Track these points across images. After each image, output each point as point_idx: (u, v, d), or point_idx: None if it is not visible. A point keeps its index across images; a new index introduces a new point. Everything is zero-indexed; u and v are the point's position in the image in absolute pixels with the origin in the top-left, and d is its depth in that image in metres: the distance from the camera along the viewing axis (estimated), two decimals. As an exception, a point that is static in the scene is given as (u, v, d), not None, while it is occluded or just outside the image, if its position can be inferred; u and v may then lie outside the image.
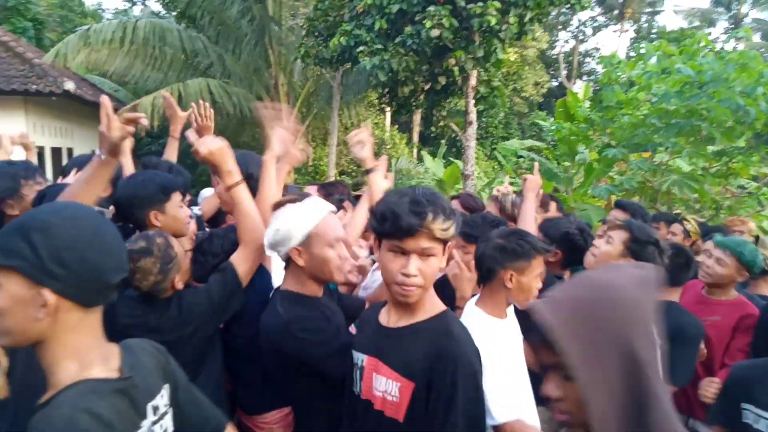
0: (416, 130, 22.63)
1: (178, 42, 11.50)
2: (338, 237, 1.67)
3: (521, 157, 10.59)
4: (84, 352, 0.97)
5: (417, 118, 21.60)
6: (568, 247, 2.53)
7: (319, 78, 12.92)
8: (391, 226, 1.26)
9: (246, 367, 1.93)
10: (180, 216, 1.97)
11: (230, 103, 11.30)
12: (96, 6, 24.90)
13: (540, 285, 1.83)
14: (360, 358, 1.45)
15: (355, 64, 8.73)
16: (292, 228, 1.60)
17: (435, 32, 7.37)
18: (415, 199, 1.27)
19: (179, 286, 1.76)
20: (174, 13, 14.52)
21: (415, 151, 20.94)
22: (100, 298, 0.99)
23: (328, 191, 3.50)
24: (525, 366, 1.76)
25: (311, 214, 1.62)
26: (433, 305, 1.39)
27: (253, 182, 2.23)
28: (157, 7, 18.68)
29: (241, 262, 1.82)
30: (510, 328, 1.79)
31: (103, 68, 11.94)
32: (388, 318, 1.42)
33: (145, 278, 1.69)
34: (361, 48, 7.92)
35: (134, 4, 19.43)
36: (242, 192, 1.84)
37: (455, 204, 3.02)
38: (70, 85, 9.66)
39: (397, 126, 21.09)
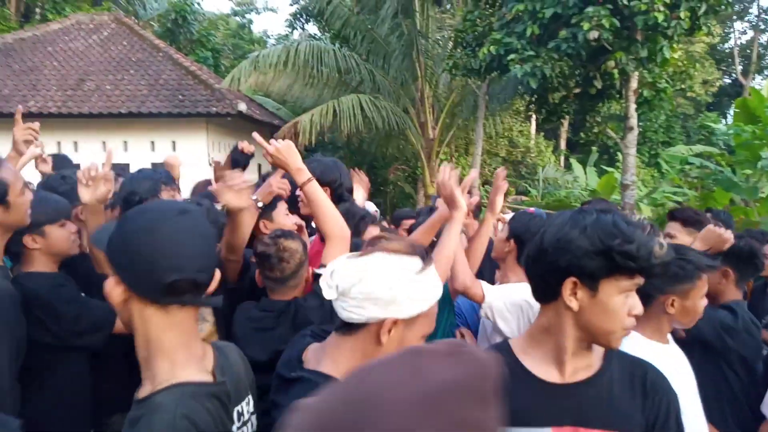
0: (564, 137, 21.58)
1: (333, 61, 12.29)
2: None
3: (690, 164, 9.54)
4: (175, 351, 0.98)
5: (565, 124, 20.60)
6: (738, 262, 2.20)
7: (464, 88, 12.94)
8: (645, 262, 1.06)
9: None
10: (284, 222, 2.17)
11: (379, 116, 11.78)
12: (262, 33, 27.63)
13: (705, 302, 1.64)
14: None
15: (504, 72, 8.59)
16: (403, 295, 1.07)
17: (593, 34, 6.98)
18: (644, 226, 1.11)
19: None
20: (329, 35, 15.59)
21: (562, 159, 19.97)
22: (166, 297, 0.97)
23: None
24: (696, 393, 1.54)
25: (434, 285, 1.12)
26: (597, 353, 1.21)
27: (338, 188, 2.38)
28: (315, 30, 20.19)
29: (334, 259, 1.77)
30: (674, 353, 1.58)
31: (268, 89, 13.19)
32: (555, 372, 1.16)
33: (292, 257, 1.79)
34: (511, 56, 7.77)
35: (294, 28, 21.21)
36: (315, 188, 1.80)
37: (675, 225, 2.61)
38: (242, 106, 10.83)
39: (542, 133, 20.32)
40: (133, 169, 10.82)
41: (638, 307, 1.11)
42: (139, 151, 11.06)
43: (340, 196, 2.37)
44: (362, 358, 1.08)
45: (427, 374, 0.51)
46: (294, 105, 15.16)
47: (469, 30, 9.27)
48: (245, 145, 3.12)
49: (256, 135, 2.03)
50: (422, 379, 0.50)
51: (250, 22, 27.42)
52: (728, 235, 2.14)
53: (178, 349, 0.98)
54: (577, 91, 8.94)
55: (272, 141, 1.88)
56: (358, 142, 15.10)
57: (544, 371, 1.16)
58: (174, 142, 11.17)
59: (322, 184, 2.20)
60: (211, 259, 1.03)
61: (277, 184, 2.18)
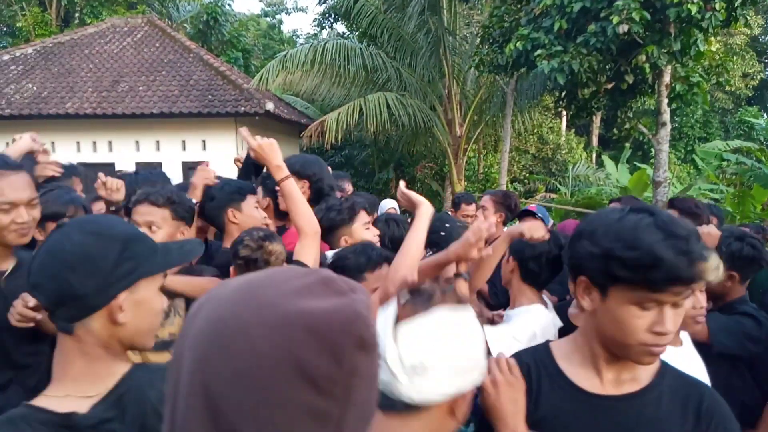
0: (595, 133, 21.13)
1: (360, 60, 12.33)
2: None
3: (726, 160, 9.23)
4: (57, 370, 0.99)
5: (596, 120, 20.17)
6: (740, 264, 2.10)
7: (492, 85, 12.81)
8: (664, 276, 0.92)
9: None
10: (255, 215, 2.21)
11: (406, 114, 11.76)
12: (291, 33, 27.91)
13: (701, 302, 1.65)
14: None
15: (531, 68, 8.46)
16: (481, 356, 0.92)
17: (623, 27, 6.81)
18: (675, 233, 0.94)
19: None
20: (357, 33, 15.64)
21: (594, 155, 19.56)
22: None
23: (503, 201, 3.43)
24: None
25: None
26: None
27: (316, 182, 2.42)
28: (342, 29, 20.29)
29: (306, 254, 1.87)
30: (687, 356, 1.49)
31: (296, 88, 13.31)
32: (596, 381, 1.08)
33: (277, 260, 1.86)
34: (538, 51, 7.65)
35: (323, 28, 21.35)
36: (291, 185, 1.92)
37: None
38: (270, 106, 10.96)
39: (573, 130, 19.94)
40: (165, 170, 11.07)
41: (665, 324, 0.96)
42: (171, 150, 11.33)
43: (319, 190, 2.43)
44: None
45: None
46: (322, 103, 15.28)
47: (496, 26, 9.16)
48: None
49: (242, 130, 2.16)
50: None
51: (280, 22, 27.73)
52: (716, 233, 2.08)
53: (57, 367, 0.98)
54: (608, 86, 8.74)
55: (257, 138, 1.99)
56: (385, 139, 15.10)
57: (584, 379, 1.09)
58: (204, 141, 11.40)
59: (301, 177, 2.34)
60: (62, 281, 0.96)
61: (202, 174, 2.36)
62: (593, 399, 1.06)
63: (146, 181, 2.52)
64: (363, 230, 2.19)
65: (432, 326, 0.85)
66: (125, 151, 11.36)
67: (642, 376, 1.07)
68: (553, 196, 14.93)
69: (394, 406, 0.84)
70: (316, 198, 2.40)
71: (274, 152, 1.96)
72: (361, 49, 12.51)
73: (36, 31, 18.62)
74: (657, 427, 1.03)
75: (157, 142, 11.38)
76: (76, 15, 19.49)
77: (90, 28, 14.05)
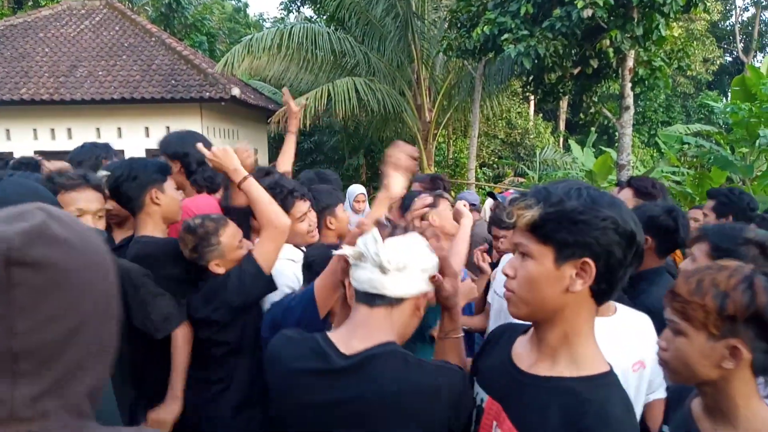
0: (563, 118, 21.44)
1: (327, 44, 12.16)
2: None
3: (687, 143, 9.48)
4: None
5: (564, 105, 20.45)
6: (658, 233, 2.17)
7: (460, 70, 12.82)
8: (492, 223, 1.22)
9: None
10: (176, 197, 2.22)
11: (374, 99, 11.68)
12: (257, 17, 27.32)
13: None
14: (481, 396, 1.16)
15: (498, 53, 8.50)
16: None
17: (587, 12, 6.88)
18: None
19: (215, 269, 1.97)
20: (324, 18, 15.41)
21: (561, 140, 19.87)
22: None
23: (432, 185, 3.55)
24: (644, 359, 1.57)
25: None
26: (591, 360, 1.03)
27: (187, 160, 2.54)
28: (310, 13, 19.96)
29: (260, 249, 1.95)
30: (617, 325, 1.52)
31: (263, 74, 13.07)
32: (525, 355, 1.10)
33: (185, 248, 1.97)
34: (505, 36, 7.68)
35: (290, 11, 20.96)
36: (252, 185, 1.97)
37: (626, 192, 2.73)
38: (236, 91, 10.73)
39: (541, 114, 20.18)
40: (128, 155, 10.72)
41: (504, 268, 1.10)
42: (134, 137, 11.01)
43: (188, 166, 2.59)
44: (404, 329, 1.23)
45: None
46: (291, 89, 14.99)
47: (463, 10, 9.14)
48: (199, 146, 3.25)
49: (199, 146, 2.21)
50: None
51: (246, 5, 27.10)
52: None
53: None
54: (573, 71, 8.84)
55: (213, 148, 2.09)
56: (354, 125, 15.01)
57: (520, 352, 1.15)
58: (168, 128, 11.10)
59: (173, 158, 2.50)
60: None
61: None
62: (518, 372, 1.09)
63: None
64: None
65: (408, 241, 1.23)
66: (84, 138, 10.98)
67: (562, 367, 1.03)
68: (521, 180, 15.12)
69: (378, 301, 1.18)
70: (187, 175, 2.58)
71: (228, 158, 2.01)
72: (328, 33, 12.34)
73: (-14, 13, 17.74)
74: (535, 411, 1.00)
75: (119, 128, 11.03)
76: (30, -4, 18.63)
77: (45, 11, 13.46)
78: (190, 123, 11.10)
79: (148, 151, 10.81)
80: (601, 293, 1.02)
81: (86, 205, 1.87)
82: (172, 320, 1.95)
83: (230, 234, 2.00)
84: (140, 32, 12.51)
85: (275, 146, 16.80)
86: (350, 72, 12.69)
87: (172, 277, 2.02)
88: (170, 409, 1.93)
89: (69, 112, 10.77)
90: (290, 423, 1.18)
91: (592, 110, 17.88)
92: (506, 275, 1.07)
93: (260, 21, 27.33)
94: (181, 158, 2.58)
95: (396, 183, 1.98)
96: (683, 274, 1.16)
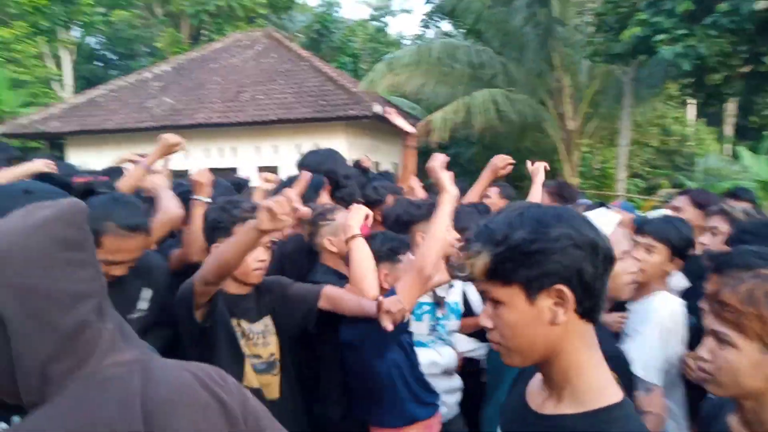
0: (729, 122, 19.10)
1: (465, 57, 12.25)
2: None
3: None
4: None
5: (731, 108, 18.23)
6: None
7: (607, 75, 12.08)
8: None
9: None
10: None
11: (513, 110, 11.49)
12: (397, 35, 28.35)
13: None
14: None
15: (651, 55, 7.90)
16: None
17: (761, 4, 6.13)
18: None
19: (329, 246, 2.18)
20: (462, 31, 15.54)
21: (728, 147, 17.70)
22: None
23: (558, 191, 3.44)
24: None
25: None
26: (596, 392, 0.93)
27: (334, 178, 2.59)
28: (448, 27, 20.25)
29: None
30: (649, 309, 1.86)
31: (402, 89, 13.53)
32: (536, 394, 1.04)
33: (305, 231, 2.22)
34: (660, 36, 7.13)
35: (428, 27, 21.46)
36: (358, 246, 2.05)
37: (684, 200, 2.72)
38: (377, 108, 11.26)
39: (705, 119, 18.20)
40: (282, 172, 11.64)
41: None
42: (287, 154, 12.06)
43: (337, 183, 2.71)
44: None
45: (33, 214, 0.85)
46: (428, 103, 15.38)
47: (611, 12, 8.66)
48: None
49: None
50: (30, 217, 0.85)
51: (386, 25, 28.26)
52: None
53: None
54: (743, 70, 7.91)
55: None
56: (492, 137, 14.84)
57: (532, 393, 1.10)
58: (316, 145, 11.99)
59: (322, 173, 2.67)
60: None
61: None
62: (530, 413, 1.01)
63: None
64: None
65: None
66: (247, 156, 12.29)
67: (566, 404, 0.95)
68: (678, 191, 13.74)
69: None
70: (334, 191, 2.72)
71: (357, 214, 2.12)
72: (467, 46, 12.42)
73: (171, 49, 20.70)
74: None
75: (275, 146, 12.16)
76: (204, 33, 21.40)
77: (216, 44, 15.36)
78: (336, 140, 11.87)
79: (298, 166, 11.76)
80: (589, 311, 0.93)
81: None
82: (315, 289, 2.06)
83: (344, 216, 2.17)
84: (294, 58, 13.69)
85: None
86: (488, 83, 12.62)
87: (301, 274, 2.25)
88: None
89: (234, 133, 12.12)
90: None
91: (766, 113, 15.74)
92: (485, 327, 0.98)
93: (400, 39, 28.31)
94: (330, 175, 2.79)
95: (450, 182, 2.07)
96: (729, 285, 1.12)
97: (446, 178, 2.04)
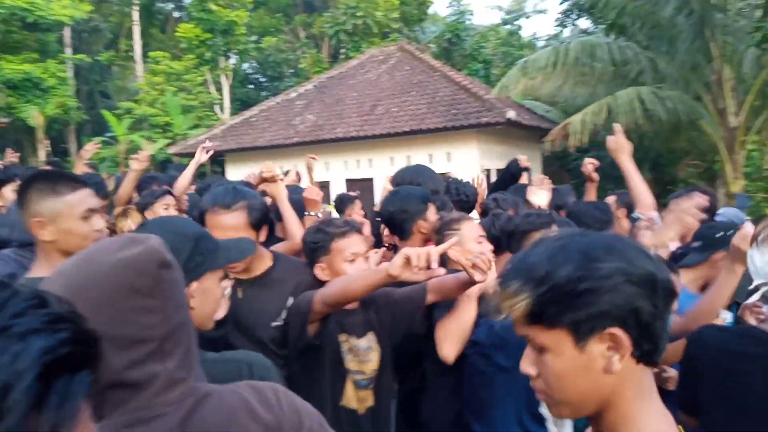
0: None
1: (606, 55, 11.53)
2: None
3: None
4: None
5: None
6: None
7: (780, 62, 10.60)
8: None
9: None
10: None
11: (663, 108, 10.55)
12: (531, 37, 27.55)
13: None
14: None
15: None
16: None
17: None
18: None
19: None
20: (602, 27, 14.64)
21: None
22: None
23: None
24: None
25: None
26: None
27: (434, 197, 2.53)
28: (586, 24, 19.23)
29: None
30: None
31: (537, 93, 13.11)
32: None
33: (433, 233, 2.24)
34: None
35: (564, 26, 20.56)
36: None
37: None
38: (511, 114, 11.05)
39: None
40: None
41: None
42: (420, 163, 12.31)
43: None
44: None
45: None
46: (565, 105, 14.72)
47: (783, -8, 7.61)
48: (523, 159, 3.44)
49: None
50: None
51: (520, 28, 27.60)
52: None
53: None
54: None
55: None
56: (638, 138, 13.74)
57: None
58: (449, 154, 12.09)
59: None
60: None
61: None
62: None
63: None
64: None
65: None
66: (382, 167, 12.78)
67: None
68: None
69: None
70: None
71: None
72: (608, 43, 11.69)
73: (313, 69, 22.25)
74: None
75: (408, 156, 12.48)
76: (342, 51, 22.69)
77: (353, 61, 16.21)
78: (468, 148, 11.87)
79: (431, 175, 11.95)
80: (648, 355, 0.79)
81: (358, 249, 1.98)
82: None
83: (470, 227, 2.18)
84: (426, 69, 13.98)
85: (549, 165, 16.57)
86: (633, 81, 11.74)
87: None
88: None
89: (370, 145, 12.68)
90: None
91: None
92: (527, 374, 0.87)
93: (533, 40, 27.45)
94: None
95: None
96: None
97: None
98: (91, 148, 4.38)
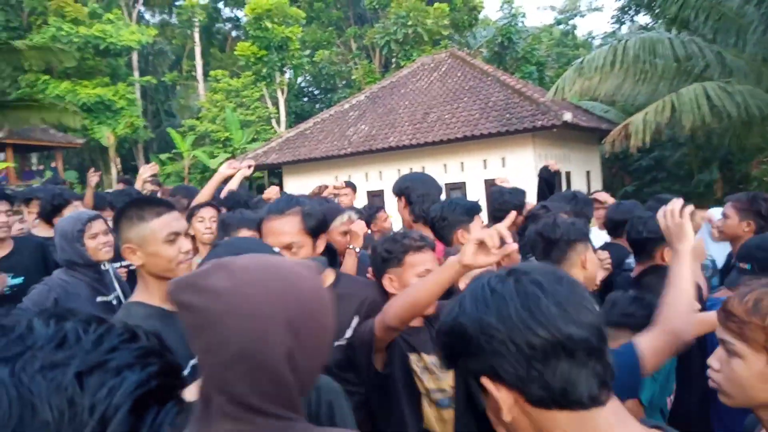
0: None
1: (668, 50, 11.05)
2: None
3: None
4: None
5: None
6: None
7: None
8: None
9: None
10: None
11: (732, 103, 9.98)
12: (586, 36, 26.80)
13: None
14: None
15: None
16: None
17: None
18: None
19: None
20: (663, 22, 14.06)
21: None
22: None
23: (751, 206, 2.68)
24: None
25: None
26: None
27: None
28: (646, 20, 18.52)
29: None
30: None
31: (594, 94, 12.72)
32: None
33: None
34: None
35: (622, 23, 19.88)
36: None
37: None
38: (568, 116, 10.78)
39: None
40: (469, 188, 11.89)
41: None
42: (474, 170, 12.21)
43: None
44: None
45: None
46: (624, 105, 14.21)
47: None
48: (552, 164, 3.36)
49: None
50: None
51: (574, 27, 26.91)
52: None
53: None
54: None
55: None
56: (705, 135, 13.07)
57: None
58: (503, 159, 11.92)
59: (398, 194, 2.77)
60: None
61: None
62: None
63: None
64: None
65: None
66: (435, 174, 12.73)
67: None
68: None
69: None
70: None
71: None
72: (669, 39, 11.20)
73: (365, 80, 22.55)
74: None
75: (461, 163, 12.41)
76: (393, 60, 22.88)
77: (404, 70, 16.31)
78: (523, 152, 11.67)
79: (486, 181, 11.84)
80: None
81: (430, 266, 1.87)
82: None
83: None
84: (478, 74, 13.87)
85: (609, 167, 16.01)
86: (698, 77, 11.19)
87: None
88: None
89: (422, 153, 12.70)
90: None
91: None
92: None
93: (589, 40, 26.68)
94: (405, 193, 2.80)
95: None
96: (738, 294, 1.08)
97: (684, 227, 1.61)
98: (147, 170, 4.55)
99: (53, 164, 17.75)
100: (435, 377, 1.81)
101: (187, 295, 0.83)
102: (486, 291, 0.82)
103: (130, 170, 21.84)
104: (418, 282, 1.65)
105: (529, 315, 0.78)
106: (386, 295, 1.90)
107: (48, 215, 3.43)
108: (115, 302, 2.56)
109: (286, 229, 1.85)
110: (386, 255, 1.89)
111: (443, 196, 2.95)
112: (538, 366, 0.77)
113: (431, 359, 1.84)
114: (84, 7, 20.96)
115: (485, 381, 0.79)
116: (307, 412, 1.07)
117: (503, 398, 0.78)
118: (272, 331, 0.82)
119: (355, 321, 1.88)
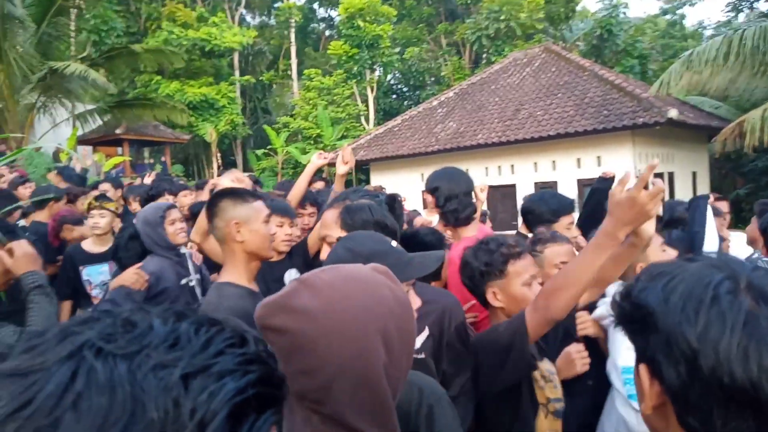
0: None
1: (794, 40, 9.98)
2: None
3: None
4: None
5: None
6: None
7: None
8: None
9: None
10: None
11: None
12: (696, 25, 24.83)
13: None
14: None
15: None
16: None
17: None
18: None
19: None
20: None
21: None
22: None
23: None
24: None
25: None
26: None
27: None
28: (766, 7, 16.80)
29: None
30: None
31: (704, 89, 11.76)
32: None
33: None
34: None
35: (739, 11, 18.17)
36: None
37: None
38: (673, 113, 10.07)
39: None
40: (561, 187, 11.47)
41: None
42: (567, 168, 11.73)
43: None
44: None
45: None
46: (739, 100, 13.03)
47: None
48: (609, 173, 3.20)
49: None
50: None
51: (683, 17, 25.00)
52: None
53: None
54: None
55: None
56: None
57: None
58: (599, 158, 11.36)
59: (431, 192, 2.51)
60: None
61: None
62: None
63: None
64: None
65: None
66: (525, 173, 12.40)
67: None
68: None
69: None
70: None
71: None
72: (796, 27, 10.11)
73: (455, 76, 22.36)
74: None
75: (553, 161, 11.96)
76: (484, 56, 22.49)
77: (495, 66, 15.98)
78: (621, 151, 11.05)
79: (579, 181, 11.34)
80: None
81: (534, 271, 1.76)
82: None
83: (554, 252, 2.03)
84: (574, 69, 13.29)
85: (719, 167, 14.74)
86: (831, 68, 10.02)
87: None
88: None
89: (512, 151, 12.39)
90: None
91: None
92: None
93: (699, 30, 24.66)
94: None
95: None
96: None
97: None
98: (216, 180, 4.85)
99: (163, 158, 19.22)
100: (552, 385, 1.69)
101: (280, 318, 0.82)
102: (706, 295, 0.66)
103: (229, 165, 23.21)
104: (573, 264, 1.44)
105: (744, 356, 0.62)
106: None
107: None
108: (194, 284, 2.76)
109: (327, 221, 1.86)
110: (485, 268, 1.71)
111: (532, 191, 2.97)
112: (721, 412, 0.63)
113: (549, 368, 1.72)
114: (192, 12, 22.52)
115: (643, 370, 0.70)
116: (405, 410, 1.04)
117: (652, 394, 0.70)
118: (369, 347, 0.81)
119: (426, 333, 1.67)
